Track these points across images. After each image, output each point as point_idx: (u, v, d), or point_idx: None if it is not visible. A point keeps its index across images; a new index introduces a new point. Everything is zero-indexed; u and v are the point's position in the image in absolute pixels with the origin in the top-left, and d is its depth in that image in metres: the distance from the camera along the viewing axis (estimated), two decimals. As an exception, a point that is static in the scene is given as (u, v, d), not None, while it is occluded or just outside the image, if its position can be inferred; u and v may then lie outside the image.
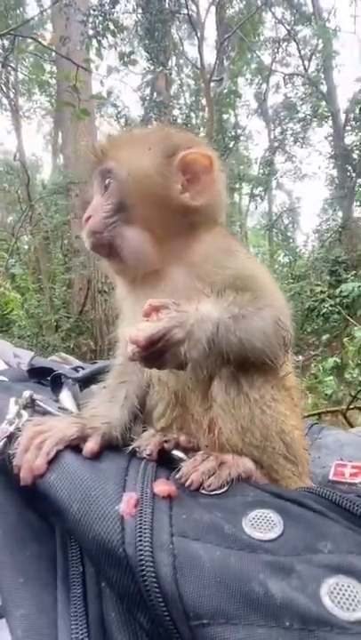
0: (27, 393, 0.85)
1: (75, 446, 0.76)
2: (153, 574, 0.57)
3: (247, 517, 0.64)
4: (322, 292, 7.40)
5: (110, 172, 0.93)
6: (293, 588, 0.55)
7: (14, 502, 0.75)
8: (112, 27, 8.72)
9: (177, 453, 0.80)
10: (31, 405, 0.85)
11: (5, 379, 1.11)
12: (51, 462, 0.72)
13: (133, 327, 0.76)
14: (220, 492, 0.71)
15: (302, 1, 14.51)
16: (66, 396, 0.96)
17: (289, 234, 17.41)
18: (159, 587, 0.56)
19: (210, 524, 0.62)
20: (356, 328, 5.84)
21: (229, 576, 0.56)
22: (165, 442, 0.80)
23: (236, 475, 0.74)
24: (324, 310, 7.08)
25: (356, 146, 10.47)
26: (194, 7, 11.57)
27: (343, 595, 0.54)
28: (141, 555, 0.58)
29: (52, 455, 0.73)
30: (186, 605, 0.55)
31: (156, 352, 0.75)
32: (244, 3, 13.70)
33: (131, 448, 0.79)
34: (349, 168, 10.45)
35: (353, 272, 7.42)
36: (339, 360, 5.71)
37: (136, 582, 0.58)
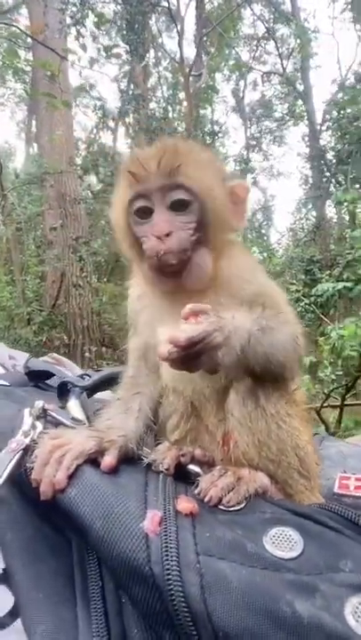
0: (39, 403, 0.84)
1: (92, 460, 0.76)
2: (181, 594, 0.57)
3: (267, 535, 0.65)
4: (297, 290, 7.51)
5: (188, 189, 0.91)
6: (318, 607, 0.57)
7: (30, 516, 0.74)
8: (92, 16, 8.57)
9: (193, 468, 0.81)
10: (43, 416, 0.84)
11: (6, 383, 1.09)
12: (70, 477, 0.71)
13: (168, 329, 0.77)
14: (238, 508, 0.72)
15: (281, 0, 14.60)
16: (74, 405, 0.96)
17: (263, 231, 17.57)
18: (188, 606, 0.57)
19: (232, 543, 0.63)
20: (329, 327, 5.95)
21: (257, 596, 0.57)
22: (182, 455, 0.81)
23: (253, 490, 0.75)
24: (300, 309, 7.19)
25: (331, 147, 10.63)
26: (174, 0, 11.50)
27: (367, 613, 0.56)
28: (169, 574, 0.59)
29: (73, 469, 0.73)
30: (215, 625, 0.56)
31: (193, 354, 0.75)
32: (223, -2, 13.66)
33: (147, 462, 0.79)
34: (324, 169, 10.61)
35: (327, 272, 7.55)
36: (313, 359, 5.81)
37: (163, 601, 0.59)
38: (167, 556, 0.60)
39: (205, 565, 0.60)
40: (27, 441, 0.77)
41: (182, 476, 0.79)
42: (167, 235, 0.89)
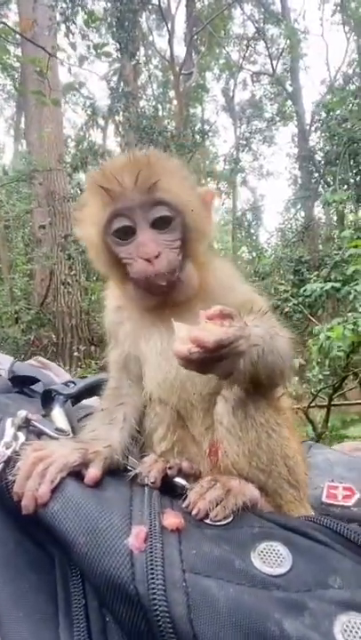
0: (22, 413, 0.82)
1: (76, 473, 0.74)
2: (167, 614, 0.56)
3: (256, 551, 0.64)
4: (285, 290, 7.52)
5: (168, 204, 0.88)
6: (307, 626, 0.55)
7: (11, 530, 0.72)
8: (83, 14, 8.50)
9: (179, 480, 0.79)
10: (26, 426, 0.82)
11: (-11, 389, 1.07)
12: (54, 490, 0.69)
13: (188, 326, 0.75)
14: (225, 522, 0.70)
15: (271, 0, 14.63)
16: (58, 414, 0.93)
17: (252, 231, 17.61)
18: (173, 627, 0.55)
19: (220, 559, 0.62)
20: (317, 328, 5.98)
21: (244, 615, 0.56)
22: (169, 468, 0.79)
23: (241, 503, 0.73)
24: (288, 309, 7.20)
25: (320, 147, 10.67)
26: (165, -2, 11.46)
27: (356, 632, 0.54)
28: (154, 593, 0.57)
29: (57, 483, 0.71)
30: (201, 646, 0.54)
31: (216, 357, 0.73)
32: (214, -3, 13.66)
33: (132, 474, 0.77)
34: (313, 169, 10.65)
35: (316, 272, 7.57)
36: (301, 360, 5.83)
37: (147, 620, 0.57)
38: (152, 574, 0.58)
39: (192, 584, 0.58)
40: (8, 453, 0.75)
41: (168, 489, 0.77)
42: (156, 256, 0.86)
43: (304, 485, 0.86)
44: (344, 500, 0.86)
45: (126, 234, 0.89)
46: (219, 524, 0.70)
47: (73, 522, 0.65)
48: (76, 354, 9.06)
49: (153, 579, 0.58)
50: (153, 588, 0.57)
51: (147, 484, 0.75)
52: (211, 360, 0.73)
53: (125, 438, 0.88)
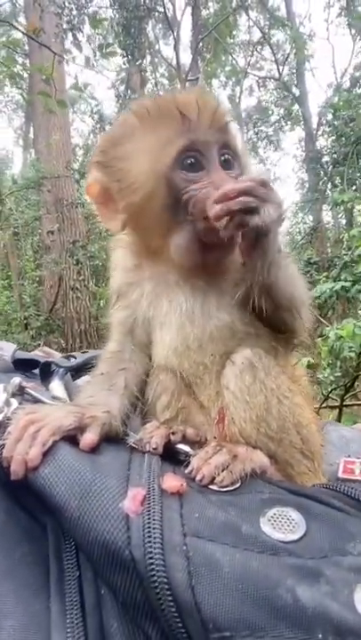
0: (16, 380, 0.77)
1: (71, 438, 0.68)
2: (165, 580, 0.50)
3: (265, 516, 0.58)
4: (294, 292, 7.45)
5: (234, 150, 0.85)
6: (324, 594, 0.49)
7: (1, 499, 0.67)
8: (87, 21, 8.58)
9: (183, 447, 0.73)
10: (20, 394, 0.77)
11: (-10, 368, 1.02)
12: (45, 454, 0.64)
13: None
14: (232, 488, 0.64)
15: (276, 5, 14.69)
16: (57, 386, 0.88)
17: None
18: (172, 594, 0.50)
19: (226, 524, 0.56)
20: (327, 328, 5.90)
21: (253, 582, 0.50)
22: (172, 434, 0.73)
23: (249, 469, 0.67)
24: (297, 311, 7.13)
25: (327, 150, 10.62)
26: (170, 5, 11.53)
27: (379, 602, 0.48)
28: (151, 558, 0.51)
29: (49, 446, 0.65)
30: (204, 616, 0.48)
31: (243, 207, 0.71)
32: (219, 4, 13.72)
33: (133, 440, 0.72)
34: (321, 172, 10.60)
35: (325, 274, 7.50)
36: (312, 360, 5.74)
37: (144, 589, 0.52)
38: (149, 537, 0.53)
39: (193, 548, 0.52)
40: (0, 417, 0.70)
41: (171, 456, 0.71)
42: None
43: (319, 457, 0.80)
44: (361, 474, 0.79)
45: (195, 169, 0.81)
46: (225, 489, 0.64)
47: (65, 485, 0.59)
48: (84, 359, 9.02)
49: (150, 542, 0.52)
50: (150, 552, 0.52)
51: (148, 451, 0.69)
52: (243, 205, 0.71)
53: (126, 405, 0.81)
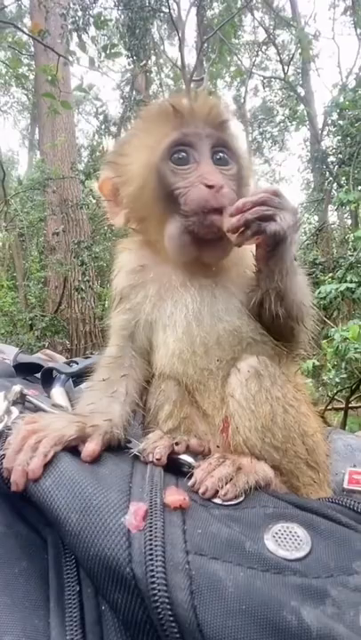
0: (17, 387, 0.76)
1: (72, 448, 0.67)
2: (167, 599, 0.49)
3: (270, 532, 0.57)
4: (300, 293, 7.41)
5: (231, 149, 0.86)
6: (329, 616, 0.48)
7: (2, 512, 0.66)
8: (92, 22, 8.56)
9: (186, 458, 0.72)
10: (21, 401, 0.76)
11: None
12: (46, 465, 0.63)
13: None
14: (235, 502, 0.63)
15: (281, 6, 14.64)
16: (58, 393, 0.87)
17: (265, 236, 17.48)
18: (174, 614, 0.48)
19: (229, 540, 0.55)
20: (333, 330, 5.87)
21: (256, 602, 0.48)
22: (176, 444, 0.72)
23: (253, 482, 0.66)
24: (302, 312, 7.09)
25: (332, 150, 10.57)
26: (175, 6, 11.51)
27: (387, 623, 0.47)
28: (153, 576, 0.50)
29: (50, 457, 0.64)
30: (206, 637, 0.47)
31: (259, 215, 0.72)
32: (224, 4, 13.68)
33: (135, 451, 0.71)
34: (326, 172, 10.54)
35: (330, 274, 7.45)
36: (317, 362, 5.71)
37: (145, 608, 0.50)
38: (151, 555, 0.51)
39: (196, 566, 0.51)
40: (0, 427, 0.69)
41: (175, 468, 0.70)
42: (219, 190, 0.79)
43: (325, 467, 0.78)
44: (367, 484, 0.78)
45: (186, 163, 0.83)
46: (228, 503, 0.63)
47: (66, 498, 0.58)
48: (89, 360, 9.02)
49: (152, 560, 0.51)
50: (152, 571, 0.50)
51: (151, 461, 0.68)
52: (258, 215, 0.72)
53: (127, 412, 0.81)
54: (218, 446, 0.77)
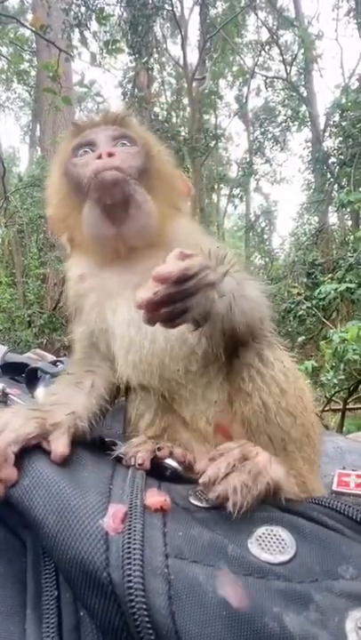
0: (-2, 385, 0.74)
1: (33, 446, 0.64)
2: (144, 605, 0.47)
3: (253, 536, 0.55)
4: (298, 294, 7.40)
5: (133, 139, 0.89)
6: (312, 622, 0.46)
7: (-24, 513, 0.64)
8: (94, 18, 8.55)
9: (170, 462, 0.69)
10: (3, 400, 0.74)
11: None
12: (20, 465, 0.61)
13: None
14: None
15: (285, 6, 14.61)
16: (42, 393, 0.85)
17: (265, 236, 17.47)
18: (151, 621, 0.47)
19: (211, 543, 0.53)
20: (331, 331, 5.86)
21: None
22: (158, 449, 0.69)
23: (263, 490, 0.62)
24: (301, 312, 7.07)
25: (333, 151, 10.55)
26: (178, 4, 11.49)
27: (372, 631, 0.45)
28: (130, 581, 0.48)
29: (12, 459, 0.61)
30: (184, 644, 0.45)
31: (184, 294, 0.64)
32: (228, 4, 13.65)
33: (116, 453, 0.68)
34: (327, 173, 10.53)
35: (329, 275, 7.44)
36: (315, 363, 5.70)
37: (122, 614, 0.48)
38: (129, 558, 0.50)
39: (175, 571, 0.49)
40: None
41: (157, 472, 0.67)
42: (110, 155, 0.83)
43: (318, 448, 0.78)
44: (357, 487, 0.76)
45: (87, 152, 0.88)
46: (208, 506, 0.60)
47: (43, 499, 0.56)
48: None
49: (129, 564, 0.49)
50: (129, 575, 0.48)
51: (133, 465, 0.66)
52: (180, 299, 0.64)
53: (93, 404, 0.78)
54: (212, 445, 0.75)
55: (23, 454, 0.63)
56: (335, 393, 5.60)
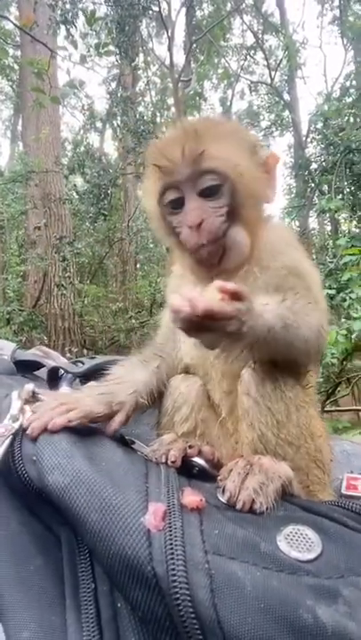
0: (29, 386, 0.77)
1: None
2: (188, 597, 0.51)
3: (282, 534, 0.59)
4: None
5: (216, 172, 0.88)
6: (342, 614, 0.51)
7: (16, 509, 0.67)
8: (81, 16, 8.49)
9: (198, 461, 0.74)
10: (33, 400, 0.76)
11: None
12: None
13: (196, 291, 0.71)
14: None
15: (270, 11, 14.78)
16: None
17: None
18: (195, 612, 0.50)
19: (244, 541, 0.57)
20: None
21: (274, 601, 0.51)
22: (189, 447, 0.74)
23: (279, 485, 0.69)
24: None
25: (315, 158, 10.73)
26: (165, 5, 11.48)
27: (396, 622, 0.50)
28: (174, 574, 0.52)
29: (75, 423, 0.70)
30: (227, 634, 0.49)
31: (202, 325, 0.69)
32: (214, 6, 13.74)
33: (147, 452, 0.72)
34: (309, 179, 10.69)
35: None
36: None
37: (166, 605, 0.52)
38: (172, 554, 0.53)
39: (215, 566, 0.53)
40: (15, 426, 0.70)
41: (186, 470, 0.72)
42: (199, 225, 0.87)
43: (328, 469, 0.82)
44: (365, 491, 0.81)
45: (178, 204, 0.91)
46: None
47: (84, 497, 0.59)
48: (68, 355, 8.96)
49: (173, 559, 0.53)
50: (173, 569, 0.52)
51: (164, 463, 0.70)
52: (197, 325, 0.69)
53: (153, 384, 0.86)
54: (235, 447, 0.80)
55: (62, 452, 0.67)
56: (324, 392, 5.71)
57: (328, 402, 6.03)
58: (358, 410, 6.89)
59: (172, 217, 0.92)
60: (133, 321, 9.88)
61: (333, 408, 6.59)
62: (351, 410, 6.57)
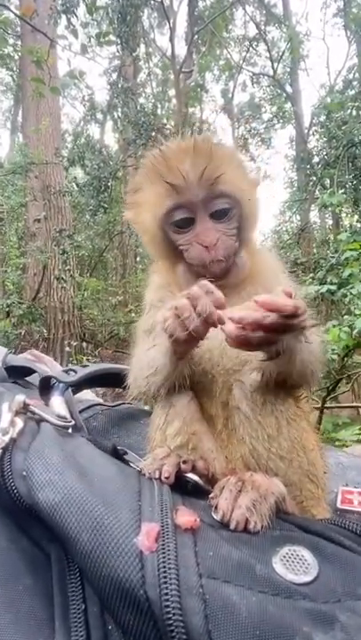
0: (20, 397, 0.74)
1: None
2: (182, 624, 0.49)
3: (278, 555, 0.57)
4: (280, 292, 7.46)
5: (229, 196, 0.90)
6: (339, 642, 0.49)
7: (5, 525, 0.65)
8: (82, 4, 8.41)
9: (192, 477, 0.72)
10: (24, 412, 0.74)
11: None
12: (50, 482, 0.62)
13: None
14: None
15: (273, 2, 14.62)
16: (58, 402, 0.85)
17: (248, 233, 17.55)
18: (188, 638, 0.49)
19: (240, 563, 0.55)
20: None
21: (270, 628, 0.49)
22: (183, 462, 0.72)
23: (273, 502, 0.66)
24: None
25: (317, 151, 10.65)
26: (167, -5, 11.37)
27: (395, 650, 0.48)
28: (167, 599, 0.50)
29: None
30: (221, 661, 0.48)
31: (285, 327, 0.71)
32: (216, -3, 13.58)
33: (141, 466, 0.70)
34: (310, 172, 10.63)
35: (311, 274, 7.54)
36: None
37: (158, 630, 0.50)
38: (165, 577, 0.51)
39: (210, 590, 0.51)
40: (6, 439, 0.68)
41: (179, 485, 0.70)
42: (215, 244, 0.89)
43: (323, 483, 0.80)
44: (360, 506, 0.80)
45: (185, 223, 0.91)
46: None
47: (75, 516, 0.57)
48: (67, 349, 8.97)
49: (166, 583, 0.51)
50: (166, 594, 0.50)
51: (157, 479, 0.68)
52: (280, 330, 0.70)
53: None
54: (228, 461, 0.79)
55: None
56: (313, 392, 5.71)
57: (328, 398, 6.03)
58: (358, 407, 6.89)
59: (176, 235, 0.92)
60: (133, 314, 9.86)
61: (334, 404, 6.60)
62: (351, 407, 6.58)
